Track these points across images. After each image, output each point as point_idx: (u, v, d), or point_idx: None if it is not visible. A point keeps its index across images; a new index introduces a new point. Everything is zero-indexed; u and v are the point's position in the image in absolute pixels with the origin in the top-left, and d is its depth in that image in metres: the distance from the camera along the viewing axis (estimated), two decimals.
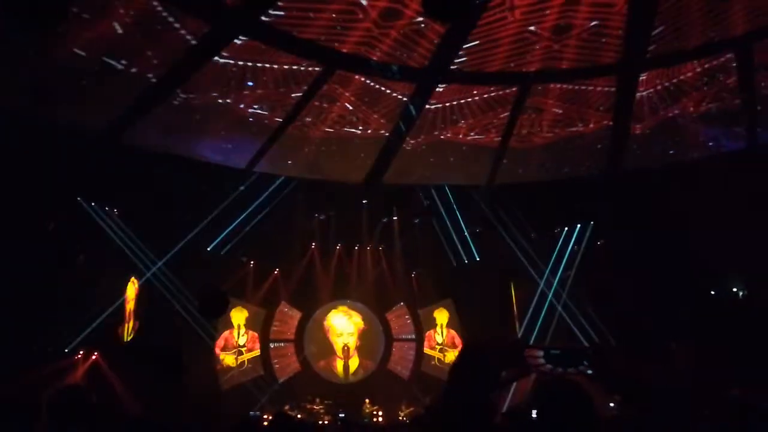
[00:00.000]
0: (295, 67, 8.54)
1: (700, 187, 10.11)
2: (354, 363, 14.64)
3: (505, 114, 9.78)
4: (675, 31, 7.97)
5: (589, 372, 1.48)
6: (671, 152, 11.16)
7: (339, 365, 14.58)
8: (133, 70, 8.14)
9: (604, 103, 9.60)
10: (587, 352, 1.46)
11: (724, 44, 8.31)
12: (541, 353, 1.51)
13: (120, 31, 7.35)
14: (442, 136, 10.54)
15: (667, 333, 11.23)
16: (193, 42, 7.72)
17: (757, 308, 10.58)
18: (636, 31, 7.89)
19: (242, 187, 12.40)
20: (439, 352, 15.01)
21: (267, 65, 8.48)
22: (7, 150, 8.40)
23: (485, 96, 9.41)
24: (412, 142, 10.57)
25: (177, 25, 7.42)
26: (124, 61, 7.95)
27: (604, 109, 9.74)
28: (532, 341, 11.92)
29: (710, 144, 10.88)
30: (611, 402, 11.50)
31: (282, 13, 7.42)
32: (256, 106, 9.48)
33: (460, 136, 10.58)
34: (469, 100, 9.51)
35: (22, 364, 9.06)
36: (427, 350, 15.05)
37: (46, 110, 8.69)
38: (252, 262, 14.03)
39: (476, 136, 10.61)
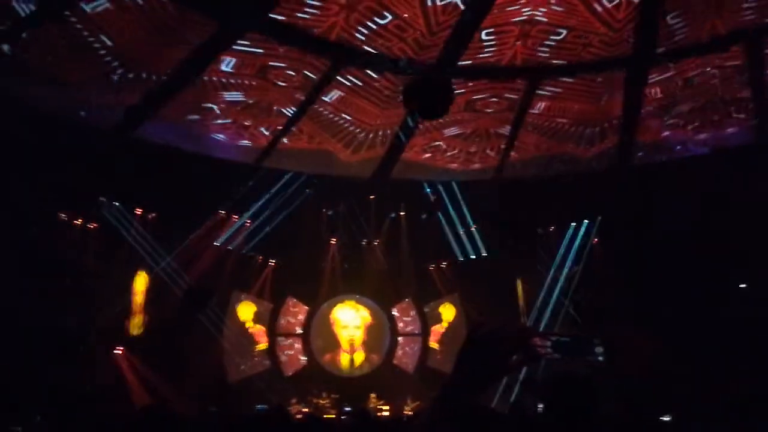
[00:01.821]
0: (303, 63, 8.58)
1: (706, 183, 10.06)
2: (359, 357, 14.68)
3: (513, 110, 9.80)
4: (685, 25, 7.93)
5: (600, 359, 1.47)
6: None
7: (345, 359, 14.63)
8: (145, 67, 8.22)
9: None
10: (598, 342, 1.45)
11: (734, 37, 8.26)
12: (549, 342, 1.51)
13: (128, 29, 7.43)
14: (448, 132, 10.56)
15: (671, 328, 11.17)
16: (202, 40, 7.78)
17: (758, 303, 10.53)
18: (646, 26, 7.86)
19: (251, 183, 12.42)
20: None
21: (277, 63, 8.53)
22: (19, 144, 8.48)
23: (494, 92, 9.43)
24: (419, 138, 10.59)
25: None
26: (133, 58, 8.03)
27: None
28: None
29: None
30: (615, 397, 11.50)
31: (289, 9, 7.46)
32: (262, 102, 9.53)
33: (467, 132, 10.60)
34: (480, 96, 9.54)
35: (35, 361, 9.17)
36: (432, 345, 15.06)
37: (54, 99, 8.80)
38: (260, 257, 14.09)
39: (482, 134, 10.65)
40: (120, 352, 11.55)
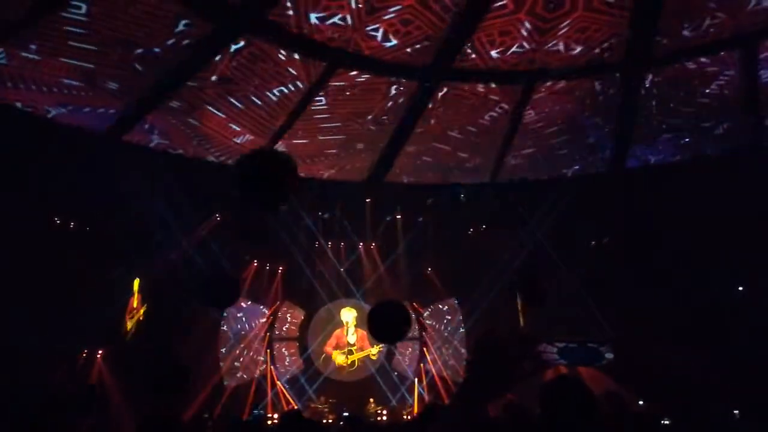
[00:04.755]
0: (297, 66, 8.56)
1: (703, 186, 10.11)
2: (357, 362, 14.64)
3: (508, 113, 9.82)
4: (680, 29, 7.97)
5: (605, 364, 1.45)
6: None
7: (342, 364, 14.59)
8: (137, 68, 8.17)
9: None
10: (605, 350, 1.42)
11: (729, 42, 8.30)
12: (554, 348, 1.49)
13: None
14: (446, 133, 10.56)
15: (669, 330, 11.22)
16: (196, 41, 7.75)
17: (755, 306, 10.58)
18: (640, 30, 7.89)
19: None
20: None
21: (270, 66, 8.51)
22: (10, 149, 8.43)
23: (488, 95, 9.44)
24: (415, 140, 10.58)
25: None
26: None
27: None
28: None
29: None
30: (618, 399, 11.48)
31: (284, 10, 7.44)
32: (259, 105, 9.49)
33: (462, 135, 10.61)
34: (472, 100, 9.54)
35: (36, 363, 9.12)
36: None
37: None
38: (255, 261, 14.03)
39: (479, 136, 10.66)
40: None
